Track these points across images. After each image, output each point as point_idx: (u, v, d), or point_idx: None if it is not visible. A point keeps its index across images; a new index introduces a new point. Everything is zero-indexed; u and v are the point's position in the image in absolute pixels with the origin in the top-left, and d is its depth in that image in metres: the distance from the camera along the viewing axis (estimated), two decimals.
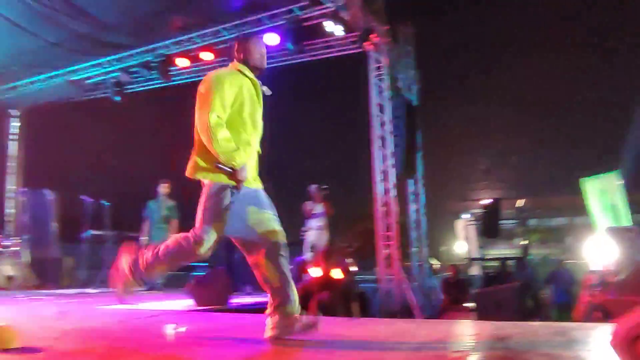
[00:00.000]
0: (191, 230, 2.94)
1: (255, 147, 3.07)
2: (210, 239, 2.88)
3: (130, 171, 12.28)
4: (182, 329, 3.47)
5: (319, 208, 9.00)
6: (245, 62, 3.12)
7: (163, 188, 8.51)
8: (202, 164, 2.91)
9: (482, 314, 5.80)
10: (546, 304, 10.15)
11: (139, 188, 9.41)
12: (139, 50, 10.47)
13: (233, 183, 2.86)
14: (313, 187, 9.15)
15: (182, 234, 2.97)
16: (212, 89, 2.88)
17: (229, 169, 2.84)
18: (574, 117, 19.05)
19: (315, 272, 6.21)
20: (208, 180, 2.91)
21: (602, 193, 13.23)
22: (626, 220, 12.64)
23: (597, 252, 8.88)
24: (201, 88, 2.94)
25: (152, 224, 8.31)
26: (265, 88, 3.24)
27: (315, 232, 9.04)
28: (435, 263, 16.87)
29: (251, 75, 3.07)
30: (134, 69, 10.78)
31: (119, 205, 9.91)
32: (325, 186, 9.03)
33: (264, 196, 3.08)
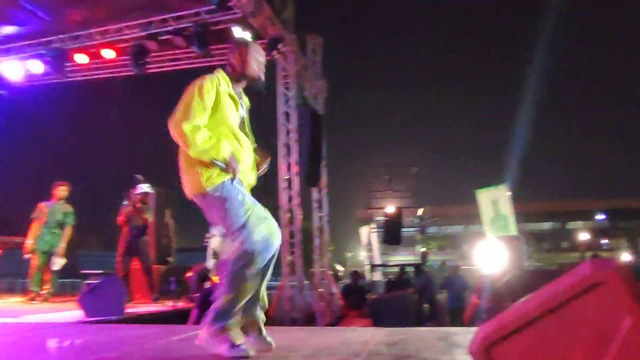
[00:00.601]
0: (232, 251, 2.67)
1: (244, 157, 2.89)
2: (259, 238, 2.66)
3: (17, 172, 11.42)
4: (66, 344, 3.28)
5: None
6: (240, 70, 2.95)
7: (60, 191, 7.84)
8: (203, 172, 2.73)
9: (377, 320, 6.00)
10: (441, 309, 10.67)
11: (29, 190, 8.75)
12: (29, 42, 9.78)
13: (230, 175, 2.71)
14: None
15: (228, 257, 2.67)
16: (189, 96, 2.73)
17: (222, 164, 2.69)
18: (469, 133, 20.34)
19: (216, 279, 6.10)
20: (210, 187, 2.70)
21: (493, 203, 14.23)
22: (513, 228, 13.67)
23: (488, 258, 9.53)
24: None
25: (43, 227, 7.66)
26: (246, 101, 3.10)
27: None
28: (341, 269, 17.21)
29: (230, 90, 2.88)
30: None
31: (5, 208, 9.18)
32: None
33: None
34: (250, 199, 2.79)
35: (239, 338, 2.62)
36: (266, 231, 2.71)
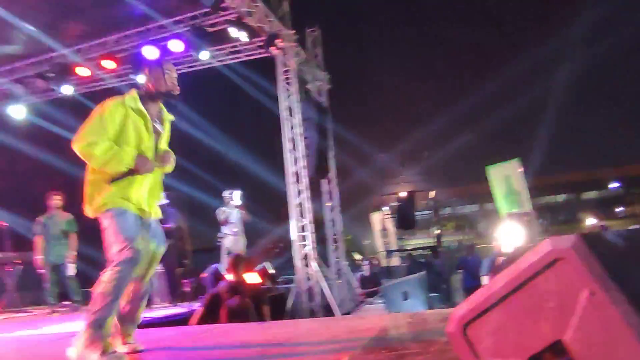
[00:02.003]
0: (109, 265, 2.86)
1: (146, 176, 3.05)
2: (134, 257, 2.84)
3: (24, 189, 11.62)
4: None
5: (234, 213, 9.02)
6: (155, 88, 3.11)
7: (55, 201, 8.00)
8: (97, 197, 2.92)
9: (391, 305, 6.07)
10: (456, 290, 10.72)
11: (34, 205, 8.93)
12: (33, 60, 9.96)
13: (130, 207, 2.92)
14: (226, 193, 9.15)
15: (104, 274, 2.85)
16: (91, 117, 2.91)
17: (127, 174, 2.88)
18: (478, 110, 20.21)
19: (229, 278, 6.21)
20: (105, 209, 2.90)
21: (506, 179, 14.18)
22: (527, 204, 13.62)
23: (506, 236, 9.55)
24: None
25: (48, 240, 7.83)
26: (170, 116, 3.28)
27: (231, 237, 9.05)
28: (359, 257, 17.28)
29: (140, 106, 3.02)
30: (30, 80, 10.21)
31: (19, 225, 9.40)
32: (239, 191, 9.06)
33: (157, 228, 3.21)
34: (132, 230, 2.92)
35: (110, 346, 2.81)
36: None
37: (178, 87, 3.21)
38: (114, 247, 2.86)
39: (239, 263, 5.78)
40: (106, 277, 2.81)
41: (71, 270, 7.81)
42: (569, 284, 1.35)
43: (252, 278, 8.28)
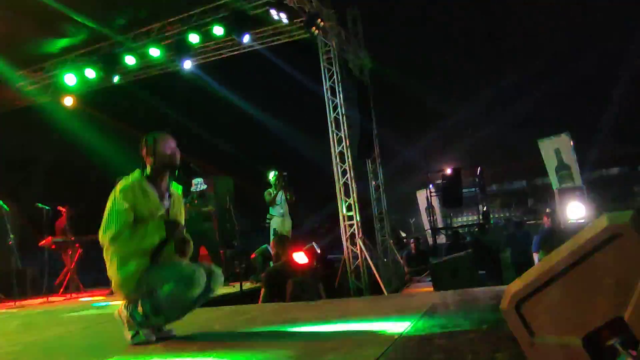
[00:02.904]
0: None
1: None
2: None
3: (87, 174, 12.12)
4: None
5: (280, 195, 9.14)
6: (156, 163, 3.18)
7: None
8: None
9: (438, 283, 6.06)
10: (504, 267, 10.56)
11: (99, 191, 9.31)
12: (82, 50, 10.29)
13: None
14: (272, 174, 9.27)
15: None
16: (108, 207, 3.06)
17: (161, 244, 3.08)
18: (526, 82, 19.56)
19: (278, 259, 6.34)
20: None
21: (556, 152, 13.80)
22: (578, 178, 13.23)
23: (558, 211, 9.34)
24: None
25: None
26: (177, 191, 3.39)
27: (278, 219, 9.19)
28: (404, 236, 17.21)
29: (144, 186, 3.12)
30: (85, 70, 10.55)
31: (78, 210, 9.81)
32: (284, 172, 9.15)
33: None
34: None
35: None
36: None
37: (178, 156, 3.27)
38: None
39: (283, 244, 5.88)
40: None
41: None
42: (628, 261, 1.33)
43: (299, 258, 8.42)
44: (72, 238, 9.08)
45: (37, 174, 12.23)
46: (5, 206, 8.19)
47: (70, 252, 9.13)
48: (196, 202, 8.35)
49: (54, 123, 11.52)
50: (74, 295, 8.68)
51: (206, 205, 8.46)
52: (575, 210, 9.45)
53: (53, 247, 8.92)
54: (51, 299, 8.23)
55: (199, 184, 8.48)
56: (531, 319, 1.52)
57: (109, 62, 10.16)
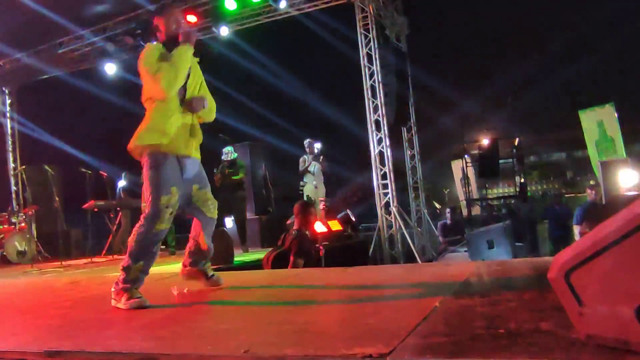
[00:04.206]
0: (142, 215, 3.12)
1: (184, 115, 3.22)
2: (164, 213, 3.04)
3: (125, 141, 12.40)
4: (185, 290, 3.69)
5: (314, 163, 9.16)
6: (166, 36, 3.27)
7: None
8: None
9: (475, 254, 6.03)
10: (542, 239, 10.39)
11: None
12: (121, 18, 10.38)
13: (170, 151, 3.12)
14: (306, 142, 9.28)
15: (137, 225, 3.12)
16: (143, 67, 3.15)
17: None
18: (566, 49, 18.84)
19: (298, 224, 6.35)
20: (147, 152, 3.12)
21: (599, 124, 13.34)
22: (622, 151, 12.79)
23: (602, 184, 9.09)
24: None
25: None
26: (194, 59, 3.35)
27: (311, 186, 9.24)
28: (438, 206, 17.09)
29: (164, 52, 3.18)
30: (119, 38, 10.68)
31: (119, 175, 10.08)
32: (318, 141, 9.17)
33: (202, 170, 3.41)
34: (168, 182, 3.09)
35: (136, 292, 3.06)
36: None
37: (185, 27, 3.35)
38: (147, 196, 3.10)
39: (304, 209, 5.88)
40: (133, 234, 3.11)
41: None
42: None
43: (333, 225, 8.49)
44: (114, 202, 9.36)
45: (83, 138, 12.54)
46: (50, 170, 8.48)
47: (112, 216, 9.43)
48: (227, 172, 8.47)
49: (97, 90, 11.75)
50: (116, 256, 9.00)
51: (237, 174, 8.57)
52: (626, 179, 9.13)
53: (95, 210, 9.22)
54: (94, 260, 8.55)
55: (229, 152, 8.57)
56: (581, 289, 1.50)
57: (147, 29, 10.23)
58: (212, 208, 3.45)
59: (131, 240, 3.11)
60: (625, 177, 8.33)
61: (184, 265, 3.59)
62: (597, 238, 1.47)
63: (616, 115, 13.03)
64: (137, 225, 3.09)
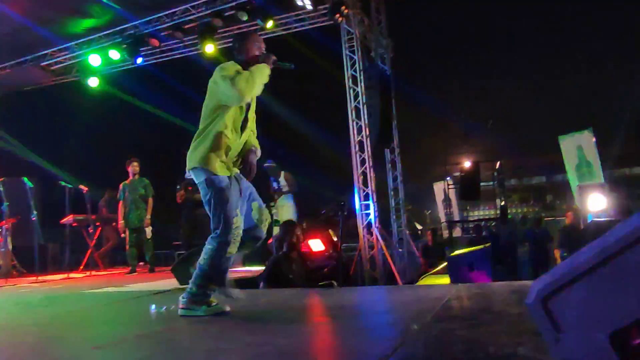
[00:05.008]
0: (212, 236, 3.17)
1: (238, 141, 3.29)
2: (236, 235, 3.11)
3: (105, 155, 12.29)
4: (166, 308, 3.64)
5: (282, 184, 9.10)
6: (245, 58, 3.34)
7: (133, 167, 8.50)
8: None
9: (455, 276, 6.06)
10: (522, 262, 10.51)
11: (115, 171, 9.50)
12: (107, 32, 10.37)
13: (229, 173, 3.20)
14: (267, 165, 9.22)
15: (207, 244, 3.18)
16: (222, 77, 3.16)
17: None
18: (547, 75, 19.26)
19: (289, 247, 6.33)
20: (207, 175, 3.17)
21: (578, 149, 13.61)
22: (600, 175, 13.04)
23: (579, 208, 9.26)
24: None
25: (128, 205, 8.38)
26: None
27: (282, 208, 9.20)
28: (420, 227, 17.17)
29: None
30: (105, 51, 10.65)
31: (98, 189, 9.99)
32: (273, 161, 9.16)
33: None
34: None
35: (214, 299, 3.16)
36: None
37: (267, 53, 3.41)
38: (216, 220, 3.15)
39: (289, 230, 5.88)
40: (207, 257, 3.15)
41: (148, 233, 8.32)
42: None
43: (315, 245, 8.47)
44: (93, 216, 9.24)
45: (63, 152, 12.41)
46: (29, 182, 8.36)
47: (90, 230, 9.30)
48: (190, 188, 8.48)
49: (80, 103, 11.68)
50: (93, 272, 8.85)
51: (199, 192, 8.55)
52: (596, 203, 9.34)
53: (74, 224, 9.09)
54: (71, 275, 8.40)
55: None
56: (557, 315, 1.52)
57: (133, 44, 10.24)
58: (265, 224, 3.45)
59: (204, 263, 3.16)
60: (594, 201, 8.52)
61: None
62: (574, 265, 1.50)
63: (594, 140, 13.31)
64: (211, 249, 3.13)
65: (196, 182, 3.28)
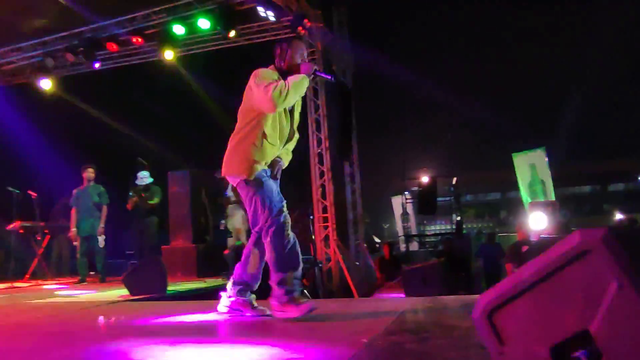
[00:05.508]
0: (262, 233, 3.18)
1: (278, 148, 3.32)
2: (286, 217, 3.15)
3: (55, 160, 11.90)
4: (113, 320, 3.53)
5: (230, 194, 8.92)
6: (286, 66, 3.30)
7: (89, 173, 8.26)
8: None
9: (410, 290, 6.12)
10: (476, 277, 10.71)
11: (67, 177, 9.22)
12: (64, 34, 10.10)
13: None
14: (217, 173, 9.06)
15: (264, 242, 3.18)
16: (256, 83, 3.15)
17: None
18: (503, 94, 19.87)
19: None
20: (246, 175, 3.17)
21: (531, 167, 14.03)
22: (551, 193, 13.48)
23: (530, 225, 9.51)
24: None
25: (81, 212, 8.10)
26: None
27: (232, 218, 9.05)
28: (378, 241, 17.29)
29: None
30: (60, 54, 10.36)
31: (48, 195, 9.66)
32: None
33: None
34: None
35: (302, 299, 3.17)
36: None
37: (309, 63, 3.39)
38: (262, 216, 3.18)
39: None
40: (271, 251, 3.15)
41: (100, 242, 8.07)
42: (598, 276, 1.37)
43: None
44: (42, 223, 8.92)
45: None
46: None
47: (39, 238, 8.96)
48: (143, 195, 8.32)
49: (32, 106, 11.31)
50: (39, 282, 8.52)
51: (152, 198, 8.42)
52: (537, 222, 9.68)
53: (21, 231, 8.74)
54: (15, 284, 8.05)
55: (144, 177, 8.44)
56: (501, 328, 1.55)
57: (90, 48, 10.01)
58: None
59: (272, 257, 3.13)
60: (540, 218, 8.80)
61: (228, 297, 3.46)
62: (517, 280, 1.54)
63: (547, 159, 13.76)
64: (269, 242, 3.12)
65: (234, 185, 3.30)
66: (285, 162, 3.44)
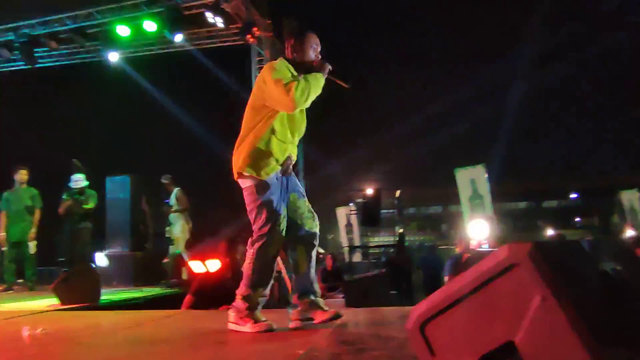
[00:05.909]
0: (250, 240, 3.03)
1: (289, 143, 3.13)
2: (279, 237, 2.99)
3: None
4: (41, 331, 3.35)
5: (172, 201, 8.72)
6: (299, 58, 3.13)
7: (22, 175, 7.83)
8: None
9: (351, 301, 6.15)
10: (417, 288, 10.90)
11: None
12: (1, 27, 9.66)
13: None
14: (162, 179, 8.85)
15: (248, 250, 3.03)
16: (272, 79, 2.96)
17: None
18: (447, 112, 20.54)
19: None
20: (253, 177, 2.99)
21: (472, 182, 14.52)
22: (489, 208, 13.99)
23: (468, 238, 9.83)
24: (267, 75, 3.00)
25: (11, 216, 7.66)
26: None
27: (173, 226, 8.85)
28: (322, 252, 17.34)
29: (295, 73, 3.05)
30: None
31: None
32: (169, 176, 8.84)
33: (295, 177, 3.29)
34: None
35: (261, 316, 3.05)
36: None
37: (324, 61, 3.19)
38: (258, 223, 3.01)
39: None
40: (250, 262, 3.02)
41: (31, 248, 7.66)
42: (523, 289, 1.41)
43: (212, 265, 8.24)
44: None
45: None
46: None
47: None
48: (78, 199, 8.00)
49: None
50: None
51: (87, 203, 8.09)
52: (476, 235, 10.03)
53: None
54: None
55: (79, 180, 8.09)
56: (433, 340, 1.58)
57: (27, 44, 9.60)
58: (313, 219, 3.24)
59: (247, 270, 3.01)
60: (477, 232, 9.13)
61: (295, 303, 3.28)
62: (449, 292, 1.58)
63: (486, 175, 14.30)
64: (251, 253, 3.01)
65: (241, 186, 3.08)
66: (294, 155, 3.24)
